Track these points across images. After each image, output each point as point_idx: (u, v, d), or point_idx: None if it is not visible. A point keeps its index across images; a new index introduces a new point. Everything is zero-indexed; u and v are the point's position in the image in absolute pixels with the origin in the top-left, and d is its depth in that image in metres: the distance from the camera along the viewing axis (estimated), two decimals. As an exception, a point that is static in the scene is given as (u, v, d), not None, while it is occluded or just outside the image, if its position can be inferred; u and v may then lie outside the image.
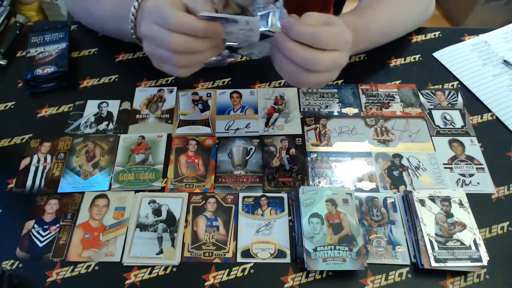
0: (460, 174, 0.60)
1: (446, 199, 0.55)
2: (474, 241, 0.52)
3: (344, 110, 0.68)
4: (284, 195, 0.58)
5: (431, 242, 0.52)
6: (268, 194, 0.58)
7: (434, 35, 0.79)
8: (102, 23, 0.72)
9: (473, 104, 0.69)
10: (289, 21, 0.47)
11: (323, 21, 0.49)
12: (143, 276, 0.52)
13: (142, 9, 0.53)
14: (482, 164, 0.61)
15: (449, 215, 0.54)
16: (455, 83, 0.72)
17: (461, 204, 0.55)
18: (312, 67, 0.48)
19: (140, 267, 0.52)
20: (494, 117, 0.67)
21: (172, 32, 0.47)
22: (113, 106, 0.68)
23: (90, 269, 0.52)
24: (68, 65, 0.70)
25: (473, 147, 0.63)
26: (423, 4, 0.74)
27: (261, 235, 0.55)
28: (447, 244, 0.52)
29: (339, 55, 0.49)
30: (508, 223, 0.56)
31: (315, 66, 0.47)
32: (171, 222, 0.56)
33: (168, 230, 0.55)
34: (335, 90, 0.70)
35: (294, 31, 0.46)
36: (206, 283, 0.51)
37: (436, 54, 0.76)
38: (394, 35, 0.73)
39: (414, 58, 0.75)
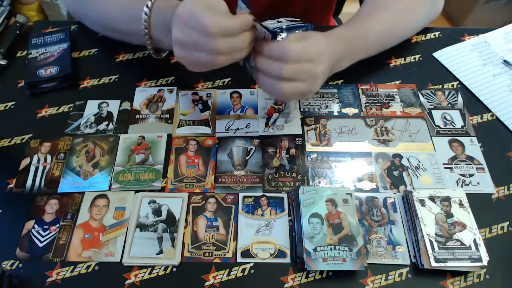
0: (460, 174, 0.60)
1: (446, 199, 0.55)
2: (474, 241, 0.52)
3: (344, 110, 0.68)
4: (284, 195, 0.58)
5: (431, 242, 0.52)
6: (268, 194, 0.58)
7: (434, 35, 0.79)
8: (109, 22, 0.70)
9: (473, 104, 0.69)
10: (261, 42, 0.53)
11: (296, 37, 0.53)
12: (143, 276, 0.52)
13: (176, 14, 0.51)
14: (482, 164, 0.61)
15: (449, 215, 0.54)
16: (455, 83, 0.72)
17: (461, 204, 0.55)
18: (278, 73, 0.52)
19: (140, 267, 0.52)
20: (494, 117, 0.67)
21: (214, 38, 0.48)
22: (113, 106, 0.68)
23: (90, 269, 0.52)
24: (71, 66, 0.70)
25: (473, 147, 0.63)
26: (428, 3, 0.73)
27: (261, 235, 0.55)
28: (447, 244, 0.52)
29: (307, 66, 0.52)
30: (508, 223, 0.56)
31: (280, 72, 0.51)
32: (171, 222, 0.56)
33: (168, 230, 0.55)
34: (335, 90, 0.70)
35: (264, 47, 0.52)
36: (206, 283, 0.51)
37: (436, 54, 0.76)
38: (399, 38, 0.72)
39: (414, 58, 0.75)
